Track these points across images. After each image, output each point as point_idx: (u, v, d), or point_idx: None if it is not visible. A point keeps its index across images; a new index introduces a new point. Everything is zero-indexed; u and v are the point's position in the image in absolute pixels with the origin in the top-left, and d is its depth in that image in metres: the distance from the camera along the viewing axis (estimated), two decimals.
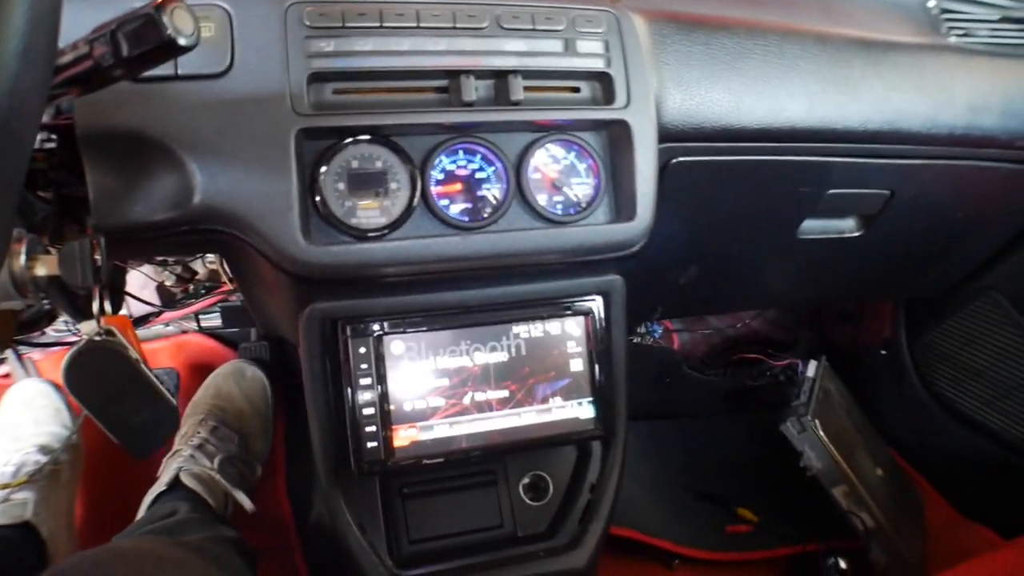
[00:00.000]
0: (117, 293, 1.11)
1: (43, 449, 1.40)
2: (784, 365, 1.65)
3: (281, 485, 1.50)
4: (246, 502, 1.28)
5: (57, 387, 1.51)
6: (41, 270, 0.68)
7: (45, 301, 0.87)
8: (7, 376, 1.65)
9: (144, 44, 0.53)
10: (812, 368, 1.46)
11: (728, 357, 1.76)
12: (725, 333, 1.81)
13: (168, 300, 1.48)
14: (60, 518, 1.38)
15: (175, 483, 1.29)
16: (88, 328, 0.69)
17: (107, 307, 0.70)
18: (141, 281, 1.47)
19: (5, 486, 1.29)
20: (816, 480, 1.38)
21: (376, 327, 0.82)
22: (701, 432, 1.71)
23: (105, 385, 0.70)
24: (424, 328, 0.84)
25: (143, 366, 0.69)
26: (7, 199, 0.43)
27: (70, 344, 1.15)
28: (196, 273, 1.44)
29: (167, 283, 1.45)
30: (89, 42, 0.55)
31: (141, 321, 1.26)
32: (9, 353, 1.59)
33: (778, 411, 1.41)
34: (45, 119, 0.79)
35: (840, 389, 1.53)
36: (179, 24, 0.53)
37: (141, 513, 1.30)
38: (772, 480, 1.54)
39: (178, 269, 1.42)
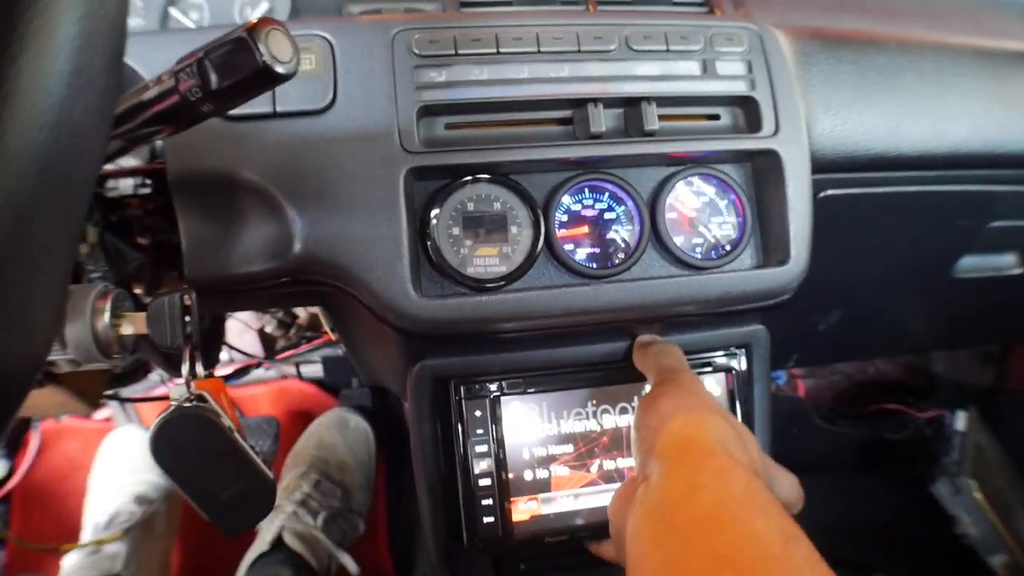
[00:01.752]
0: (215, 346, 1.05)
1: (139, 499, 1.37)
2: (929, 417, 1.48)
3: (383, 541, 1.43)
4: (351, 566, 1.22)
5: None
6: (128, 329, 0.62)
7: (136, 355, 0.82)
8: (108, 420, 1.64)
9: (236, 73, 0.46)
10: (961, 420, 1.31)
11: (861, 406, 1.61)
12: (853, 378, 1.66)
13: (269, 346, 1.44)
14: (153, 572, 1.34)
15: (277, 543, 1.23)
16: (177, 393, 0.62)
17: (199, 369, 0.63)
18: (240, 327, 1.43)
19: (99, 541, 1.25)
20: (971, 548, 1.23)
21: (493, 387, 0.73)
22: (834, 489, 1.55)
23: (195, 456, 0.62)
24: (546, 388, 0.74)
25: (237, 436, 0.62)
26: (60, 258, 0.36)
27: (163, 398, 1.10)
28: (297, 318, 1.39)
29: (267, 328, 1.41)
30: (174, 74, 0.48)
31: (240, 373, 1.20)
32: None
33: (922, 468, 1.27)
34: (139, 163, 0.74)
35: (993, 443, 1.38)
36: (275, 49, 0.46)
37: (241, 573, 1.25)
38: (915, 544, 1.39)
39: (279, 314, 1.37)
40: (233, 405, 0.63)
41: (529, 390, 0.74)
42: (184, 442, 0.61)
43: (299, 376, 1.44)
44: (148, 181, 0.72)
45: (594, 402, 0.75)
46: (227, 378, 1.31)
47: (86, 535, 1.35)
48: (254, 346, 1.51)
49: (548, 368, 0.75)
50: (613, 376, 0.76)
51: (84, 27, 0.31)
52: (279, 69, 0.45)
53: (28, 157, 0.30)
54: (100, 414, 1.64)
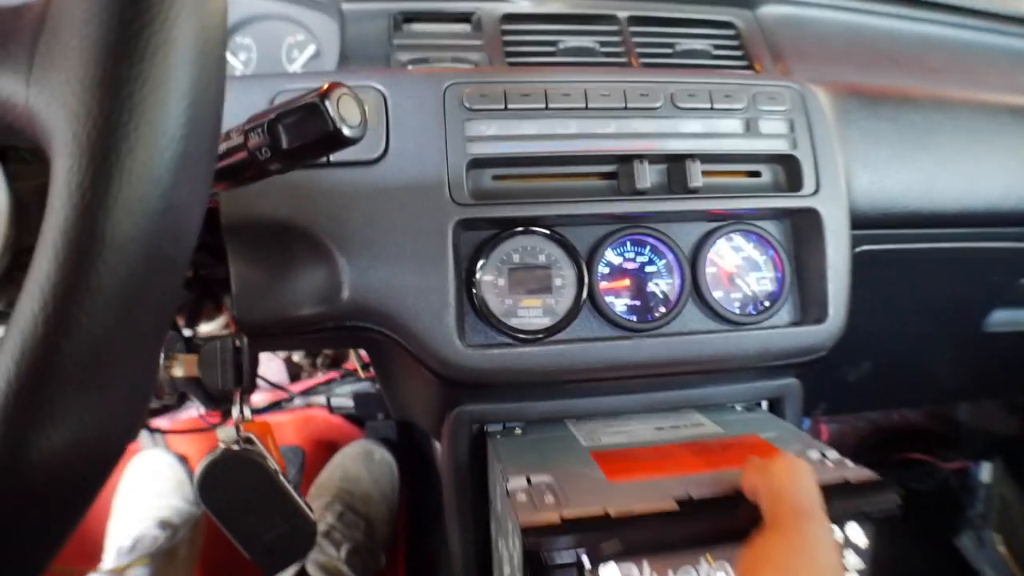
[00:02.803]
0: (251, 377, 1.07)
1: (163, 524, 1.38)
2: (955, 468, 1.47)
3: (402, 574, 1.43)
4: None
5: (182, 459, 1.49)
6: (179, 371, 0.63)
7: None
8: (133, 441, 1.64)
9: (306, 136, 0.48)
10: (987, 471, 1.31)
11: (886, 454, 1.60)
12: (877, 424, 1.65)
13: (295, 374, 1.45)
14: None
15: (301, 574, 1.24)
16: (225, 435, 0.63)
17: (247, 413, 0.64)
18: (267, 354, 1.45)
19: (121, 568, 1.26)
20: None
21: (585, 559, 0.52)
22: None
23: (240, 497, 0.64)
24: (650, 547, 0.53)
25: (282, 478, 0.63)
26: (157, 337, 0.37)
27: (199, 429, 1.12)
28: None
29: (295, 357, 1.42)
30: (244, 132, 0.50)
31: (273, 407, 1.22)
32: None
33: (947, 519, 1.26)
34: None
35: (1019, 496, 1.37)
36: (345, 114, 0.47)
37: None
38: None
39: None
40: (278, 448, 0.65)
41: (633, 553, 0.52)
42: (231, 483, 0.62)
43: (329, 409, 1.45)
44: None
45: (709, 558, 0.54)
46: (260, 411, 1.33)
47: (109, 558, 1.36)
48: (280, 374, 1.53)
49: (581, 414, 0.75)
50: (733, 528, 0.53)
51: (191, 115, 0.32)
52: (348, 133, 0.47)
53: (138, 243, 0.31)
54: None
